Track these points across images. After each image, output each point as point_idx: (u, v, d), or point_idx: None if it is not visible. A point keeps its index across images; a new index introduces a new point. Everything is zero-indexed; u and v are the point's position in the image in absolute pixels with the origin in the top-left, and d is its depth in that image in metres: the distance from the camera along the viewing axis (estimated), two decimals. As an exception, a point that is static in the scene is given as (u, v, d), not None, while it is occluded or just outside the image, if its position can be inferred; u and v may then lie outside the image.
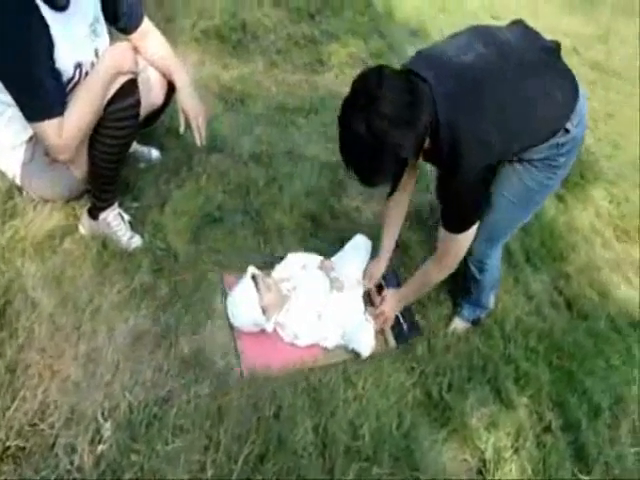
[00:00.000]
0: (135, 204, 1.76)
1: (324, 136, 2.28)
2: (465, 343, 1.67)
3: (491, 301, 1.72)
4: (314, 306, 1.50)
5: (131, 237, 1.63)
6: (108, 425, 1.21)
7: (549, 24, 4.10)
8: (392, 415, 1.41)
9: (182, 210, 1.76)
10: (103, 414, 1.23)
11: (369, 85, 1.06)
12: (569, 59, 2.98)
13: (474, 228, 1.26)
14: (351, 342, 1.48)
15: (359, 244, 1.65)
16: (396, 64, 3.01)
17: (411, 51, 3.37)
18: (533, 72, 1.18)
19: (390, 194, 1.50)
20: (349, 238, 1.72)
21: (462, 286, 1.65)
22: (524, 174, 1.29)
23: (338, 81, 2.57)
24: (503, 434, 1.46)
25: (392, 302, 1.54)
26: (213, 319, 1.50)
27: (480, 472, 1.37)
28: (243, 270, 1.52)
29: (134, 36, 1.54)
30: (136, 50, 1.49)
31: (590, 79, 3.57)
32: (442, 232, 1.28)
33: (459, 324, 1.70)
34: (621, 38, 4.35)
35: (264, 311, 1.41)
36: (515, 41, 1.21)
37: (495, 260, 1.54)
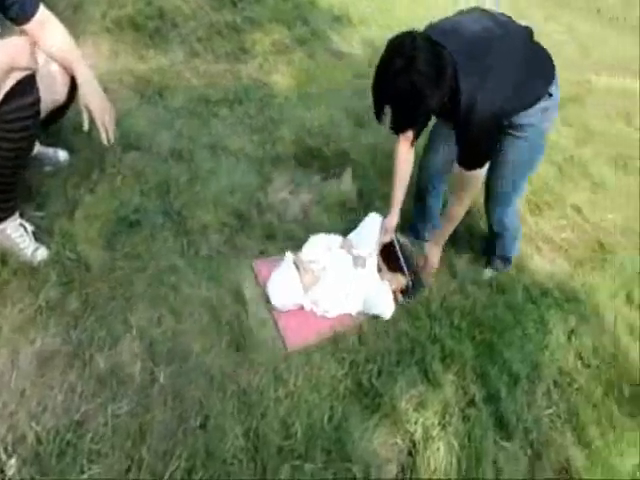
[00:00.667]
0: (40, 213, 1.57)
1: (249, 128, 2.16)
2: (393, 327, 1.66)
3: (517, 247, 2.02)
4: (342, 283, 1.62)
5: (36, 249, 1.45)
6: (13, 461, 1.07)
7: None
8: (324, 409, 1.37)
9: (94, 215, 1.60)
10: (7, 449, 1.09)
11: (406, 46, 1.24)
12: None
13: (485, 167, 1.49)
14: (372, 309, 1.63)
15: (374, 220, 1.73)
16: (321, 50, 2.90)
17: (335, 37, 3.26)
18: (525, 44, 1.46)
19: (414, 140, 1.58)
20: (277, 233, 1.64)
21: (489, 244, 1.97)
22: (520, 141, 1.54)
23: (263, 70, 2.43)
24: (431, 413, 1.47)
25: (435, 250, 1.74)
26: (131, 330, 1.37)
27: (410, 453, 1.37)
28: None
29: (30, 27, 1.34)
30: (35, 43, 1.29)
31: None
32: (460, 172, 1.49)
33: (490, 274, 1.99)
34: (532, 23, 4.48)
35: (304, 290, 1.57)
36: (507, 20, 1.49)
37: (513, 217, 1.84)
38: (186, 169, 1.89)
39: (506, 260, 2.02)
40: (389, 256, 1.73)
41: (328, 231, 1.75)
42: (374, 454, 1.34)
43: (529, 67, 1.43)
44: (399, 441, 1.40)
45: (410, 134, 1.51)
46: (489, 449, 1.44)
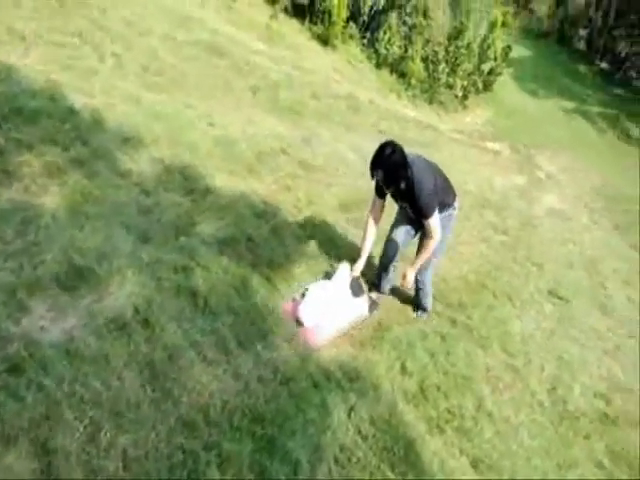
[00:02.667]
0: None
1: (2, 254, 2.16)
2: (167, 443, 1.74)
3: (430, 302, 3.32)
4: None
5: None
6: None
7: (262, 130, 5.06)
8: None
9: None
10: None
11: (390, 143, 2.65)
12: (279, 159, 3.75)
13: (437, 213, 2.75)
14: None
15: (345, 267, 2.99)
16: (105, 170, 3.14)
17: (122, 157, 3.58)
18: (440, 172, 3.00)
19: (380, 198, 3.00)
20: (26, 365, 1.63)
21: (414, 298, 3.31)
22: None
23: (28, 192, 2.53)
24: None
25: (411, 272, 2.92)
26: None
27: None
28: None
29: None
30: None
31: (297, 174, 4.47)
32: (425, 224, 2.78)
33: (417, 316, 3.35)
34: (321, 141, 5.66)
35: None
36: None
37: (429, 278, 3.16)
38: None
39: (424, 309, 3.34)
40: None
41: (94, 357, 1.82)
42: None
43: (444, 186, 2.93)
44: None
45: (378, 203, 2.99)
46: None
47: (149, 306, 2.23)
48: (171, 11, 7.21)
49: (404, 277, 2.92)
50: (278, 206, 3.70)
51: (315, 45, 10.10)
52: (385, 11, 10.82)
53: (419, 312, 3.34)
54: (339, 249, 3.56)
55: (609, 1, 17.62)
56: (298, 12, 10.32)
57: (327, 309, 2.74)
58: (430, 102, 10.64)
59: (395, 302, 3.39)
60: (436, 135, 8.40)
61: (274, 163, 4.41)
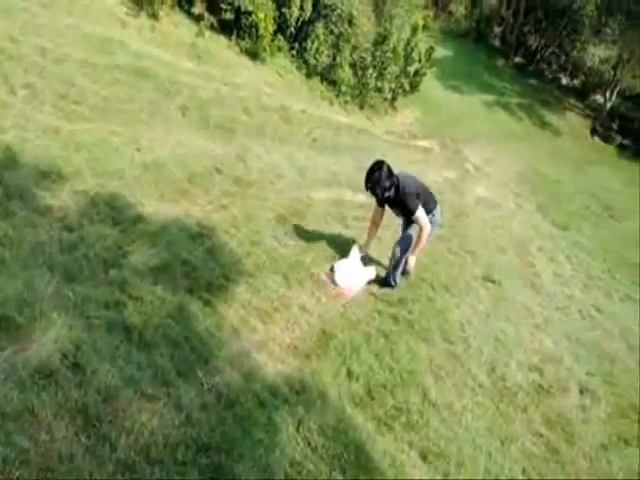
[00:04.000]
0: None
1: None
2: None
3: (397, 280, 3.97)
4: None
5: None
6: None
7: (194, 150, 4.97)
8: None
9: None
10: None
11: (378, 162, 3.53)
12: (212, 178, 3.66)
13: (421, 208, 3.50)
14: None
15: (355, 249, 3.90)
16: (21, 209, 2.95)
17: (41, 193, 3.40)
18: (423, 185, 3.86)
19: (379, 205, 3.84)
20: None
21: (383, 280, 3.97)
22: (416, 225, 3.67)
23: None
24: None
25: (412, 259, 3.74)
26: None
27: None
28: None
29: None
30: None
31: (232, 192, 4.42)
32: (414, 219, 3.56)
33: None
34: (255, 155, 5.63)
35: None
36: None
37: (402, 263, 3.83)
38: None
39: (389, 284, 3.94)
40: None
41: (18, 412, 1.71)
42: None
43: (427, 191, 3.79)
44: None
45: (377, 210, 3.87)
46: None
47: (78, 348, 2.11)
48: (90, 35, 6.92)
49: (407, 262, 3.82)
50: (214, 226, 3.64)
51: (244, 60, 10.05)
52: (312, 21, 10.95)
53: (386, 287, 3.96)
54: (277, 262, 3.55)
55: (518, 1, 18.82)
56: (225, 28, 10.22)
57: (352, 275, 3.79)
58: (361, 107, 10.89)
59: (337, 309, 3.42)
60: (369, 138, 8.60)
61: (208, 183, 4.34)
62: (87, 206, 3.15)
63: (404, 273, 3.93)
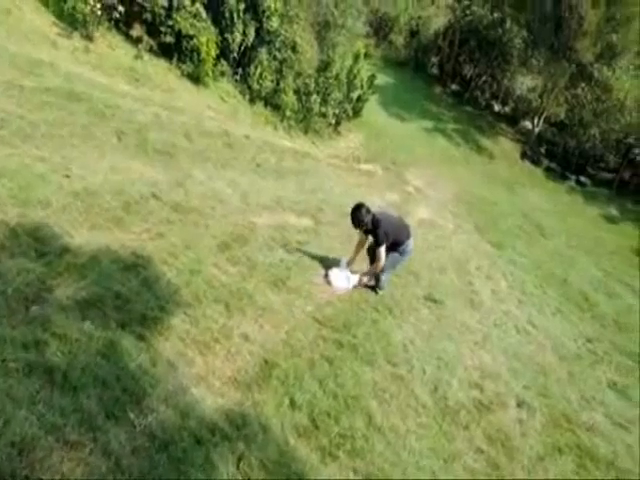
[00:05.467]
0: None
1: None
2: None
3: (386, 283, 4.92)
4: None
5: None
6: None
7: (130, 176, 4.82)
8: None
9: None
10: None
11: (358, 203, 4.59)
12: (149, 206, 3.54)
13: (384, 246, 4.54)
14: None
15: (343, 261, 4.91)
16: None
17: None
18: (399, 218, 5.14)
19: (362, 235, 4.76)
20: None
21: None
22: (395, 253, 4.74)
23: None
24: None
25: (366, 278, 4.87)
26: None
27: None
28: None
29: None
30: None
31: (171, 219, 4.32)
32: (376, 250, 4.57)
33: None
34: (196, 181, 5.56)
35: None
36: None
37: (388, 276, 4.90)
38: None
39: (381, 287, 4.85)
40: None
41: None
42: None
43: (400, 227, 4.75)
44: None
45: (362, 237, 4.76)
46: None
47: (-10, 397, 1.95)
48: (16, 57, 6.60)
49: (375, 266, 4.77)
50: (150, 256, 3.52)
51: (186, 84, 9.99)
52: (255, 47, 11.14)
53: (377, 290, 4.85)
54: (217, 290, 3.49)
55: (453, 31, 20.29)
56: (165, 51, 10.13)
57: (342, 278, 4.70)
58: (305, 132, 11.13)
59: (280, 335, 3.40)
60: (313, 162, 8.77)
61: (144, 210, 4.21)
62: (7, 238, 2.95)
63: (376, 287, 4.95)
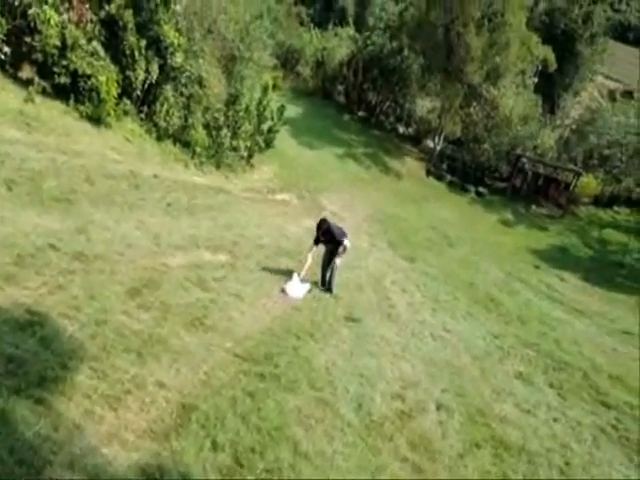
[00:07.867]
0: None
1: None
2: None
3: (335, 287, 6.26)
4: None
5: None
6: None
7: (22, 227, 4.49)
8: None
9: None
10: None
11: (323, 219, 6.20)
12: (45, 256, 3.28)
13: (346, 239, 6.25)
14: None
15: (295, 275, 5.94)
16: None
17: None
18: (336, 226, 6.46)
19: (315, 245, 6.11)
20: None
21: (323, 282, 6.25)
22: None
23: None
24: None
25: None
26: None
27: None
28: None
29: None
30: None
31: (71, 269, 4.07)
32: (342, 244, 6.12)
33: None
34: (100, 227, 5.31)
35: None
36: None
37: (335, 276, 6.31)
38: None
39: (331, 291, 6.12)
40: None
41: None
42: None
43: (341, 230, 6.16)
44: None
45: (314, 247, 6.05)
46: None
47: None
48: None
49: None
50: (48, 312, 3.29)
51: (85, 125, 9.54)
52: (160, 84, 10.94)
53: (329, 293, 6.04)
54: (128, 339, 3.35)
55: (356, 61, 21.62)
56: (60, 93, 9.63)
57: (298, 289, 5.64)
58: (218, 166, 11.11)
59: (198, 376, 3.32)
60: (227, 197, 8.77)
61: (40, 263, 3.94)
62: None
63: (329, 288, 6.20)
